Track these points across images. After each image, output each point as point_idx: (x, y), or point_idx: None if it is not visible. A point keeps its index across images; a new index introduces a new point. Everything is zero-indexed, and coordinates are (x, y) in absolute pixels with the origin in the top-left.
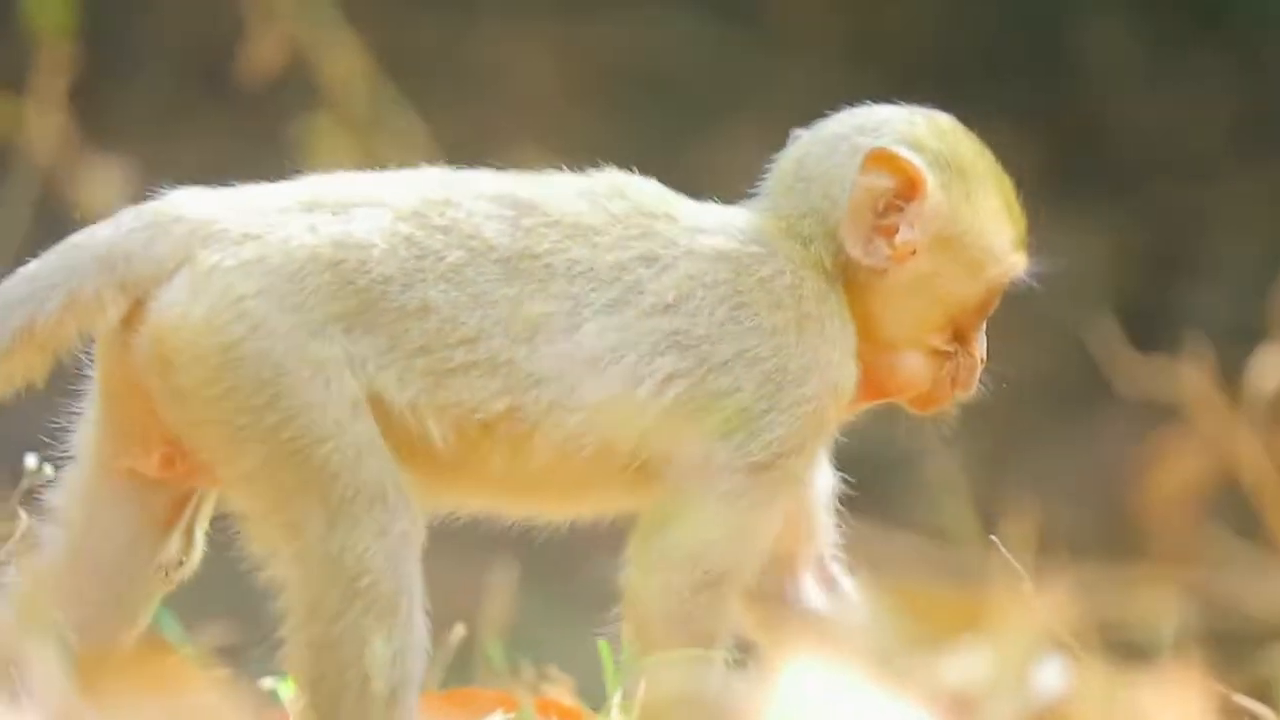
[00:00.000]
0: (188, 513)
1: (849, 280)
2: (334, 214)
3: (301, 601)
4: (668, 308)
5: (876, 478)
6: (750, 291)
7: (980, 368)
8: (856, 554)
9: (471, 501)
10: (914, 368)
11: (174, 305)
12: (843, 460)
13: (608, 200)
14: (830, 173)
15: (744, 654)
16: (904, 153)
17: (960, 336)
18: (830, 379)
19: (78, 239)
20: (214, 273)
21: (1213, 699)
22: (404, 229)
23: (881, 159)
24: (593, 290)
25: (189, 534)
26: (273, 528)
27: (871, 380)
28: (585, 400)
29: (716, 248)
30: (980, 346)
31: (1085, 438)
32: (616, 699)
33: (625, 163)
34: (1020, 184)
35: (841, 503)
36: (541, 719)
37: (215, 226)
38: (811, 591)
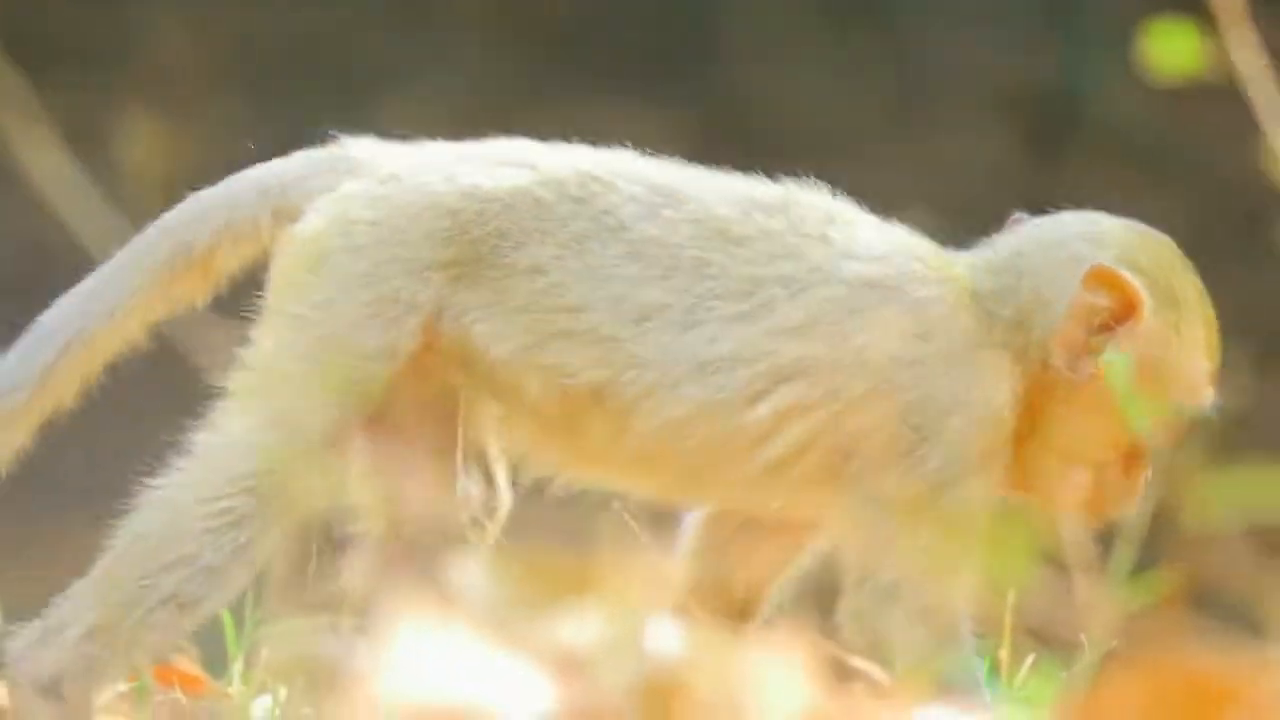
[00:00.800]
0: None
1: (1039, 381)
2: (479, 168)
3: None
4: (795, 330)
5: None
6: (896, 319)
7: (1139, 495)
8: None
9: (591, 471)
10: (1079, 482)
11: (302, 221)
12: None
13: (767, 214)
14: (1044, 275)
15: (363, 617)
16: (1126, 275)
17: (1130, 457)
18: (978, 416)
19: (247, 172)
20: (344, 199)
21: (824, 659)
22: (537, 192)
23: (1104, 278)
24: (718, 297)
25: (487, 477)
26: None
27: (1032, 480)
28: (688, 395)
29: (863, 275)
30: (1145, 472)
31: None
32: (238, 666)
33: (266, 141)
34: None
35: None
36: (163, 687)
37: (367, 165)
38: (431, 552)
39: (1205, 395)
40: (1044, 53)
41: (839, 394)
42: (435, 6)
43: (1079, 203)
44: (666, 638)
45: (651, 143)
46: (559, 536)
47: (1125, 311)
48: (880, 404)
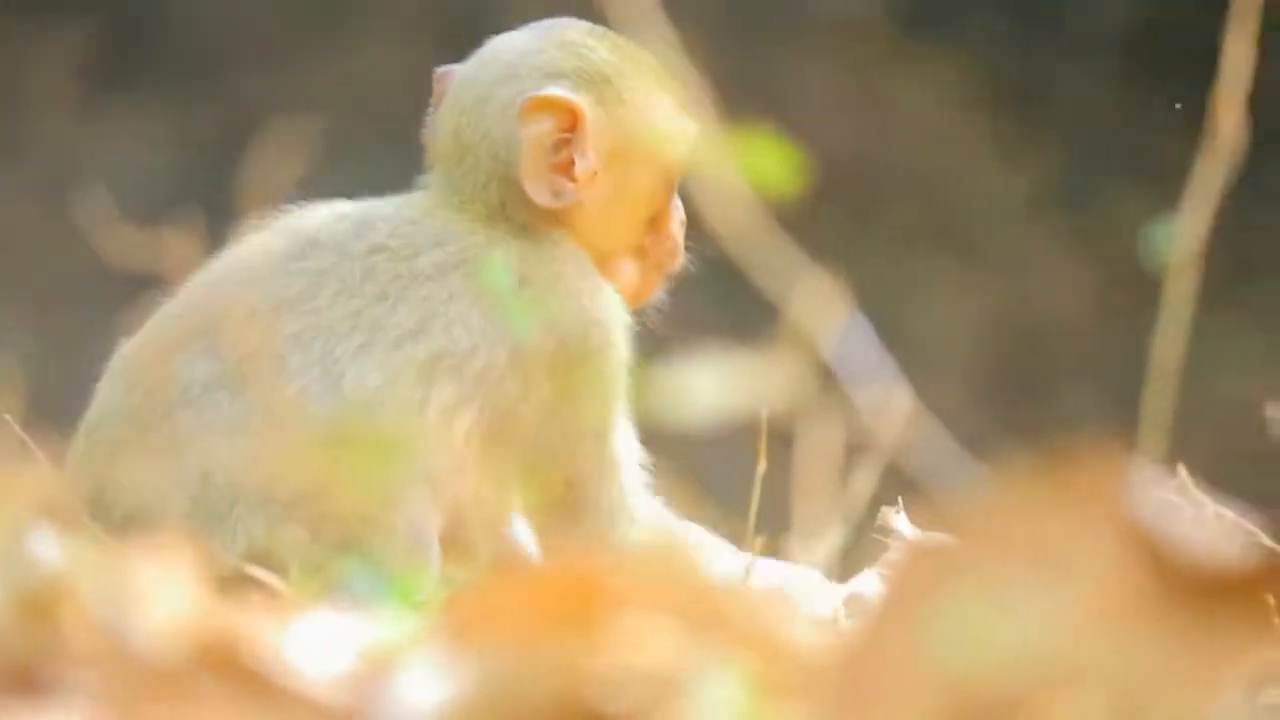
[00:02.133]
0: None
1: (557, 222)
2: None
3: None
4: (415, 334)
5: None
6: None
7: (681, 238)
8: None
9: None
10: (631, 272)
11: None
12: None
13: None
14: (490, 136)
15: None
16: (551, 91)
17: (656, 223)
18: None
19: None
20: None
21: (213, 567)
22: None
23: (534, 107)
24: (334, 337)
25: None
26: None
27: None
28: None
29: (441, 262)
30: (675, 222)
31: None
32: None
33: None
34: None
35: None
36: None
37: None
38: None
39: (684, 129)
40: None
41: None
42: None
43: None
44: (50, 548)
45: (60, 58)
46: None
47: (569, 121)
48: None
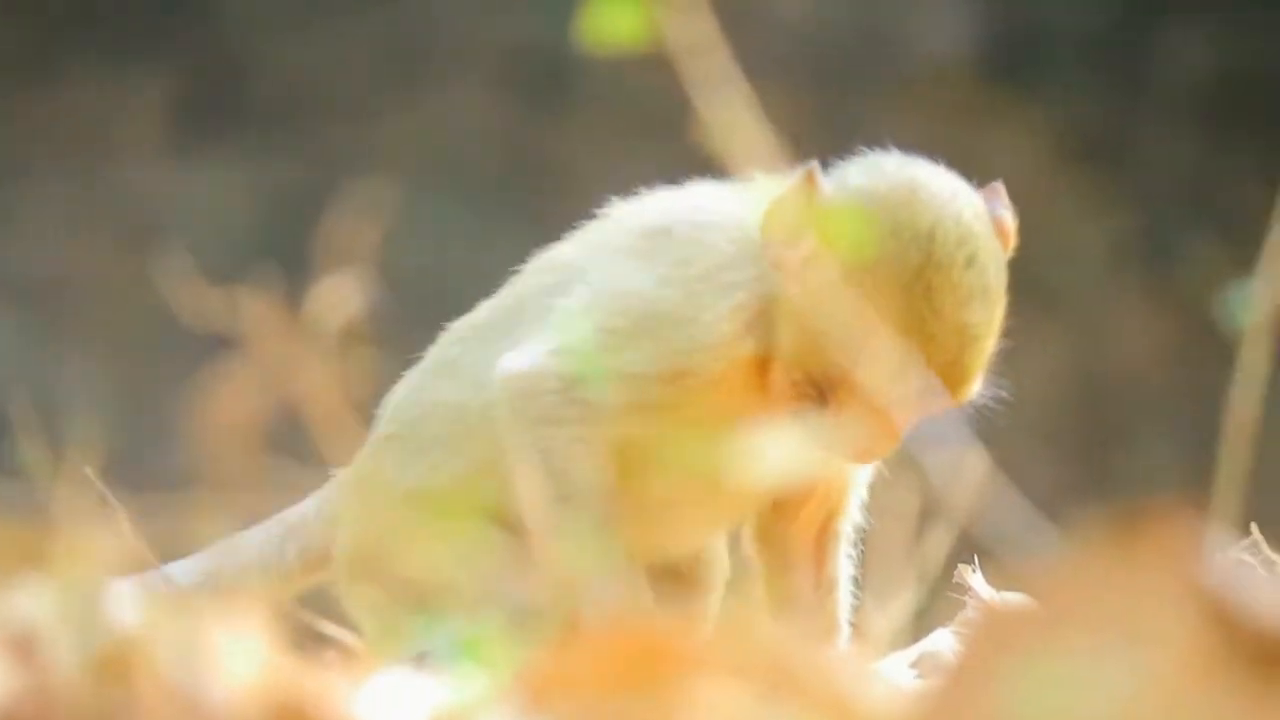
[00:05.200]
0: None
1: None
2: None
3: None
4: None
5: None
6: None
7: (861, 449)
8: None
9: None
10: (796, 415)
11: None
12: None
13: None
14: None
15: None
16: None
17: (833, 399)
18: None
19: None
20: None
21: (291, 625)
22: None
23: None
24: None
25: None
26: None
27: None
28: None
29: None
30: (857, 415)
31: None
32: None
33: None
34: (153, 127)
35: None
36: None
37: None
38: None
39: (890, 377)
40: (537, 10)
41: None
42: None
43: (579, 160)
44: (125, 608)
45: (142, 108)
46: (6, 505)
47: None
48: None
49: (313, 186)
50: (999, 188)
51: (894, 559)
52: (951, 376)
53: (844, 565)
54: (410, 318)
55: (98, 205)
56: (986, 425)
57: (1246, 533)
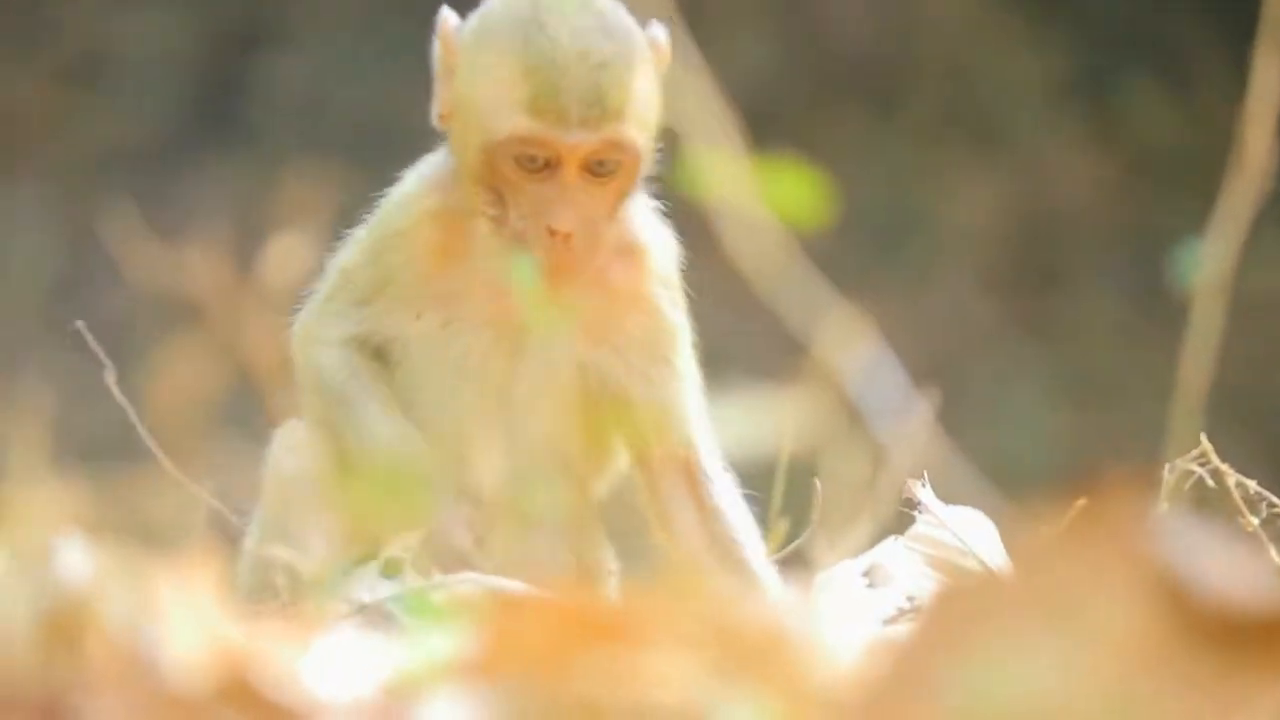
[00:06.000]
0: None
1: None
2: None
3: None
4: None
5: None
6: None
7: (530, 230)
8: None
9: None
10: (489, 236)
11: None
12: None
13: None
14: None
15: None
16: (447, 19)
17: (504, 199)
18: None
19: None
20: None
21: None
22: None
23: (440, 29)
24: None
25: None
26: None
27: None
28: None
29: None
30: (521, 209)
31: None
32: None
33: None
34: None
35: None
36: None
37: None
38: None
39: (522, 130)
40: None
41: None
42: None
43: None
44: (74, 564)
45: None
46: None
47: (447, 55)
48: None
49: (252, 22)
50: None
51: (843, 514)
52: (591, 109)
53: (726, 494)
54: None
55: (39, 36)
56: (930, 260)
57: (1207, 460)
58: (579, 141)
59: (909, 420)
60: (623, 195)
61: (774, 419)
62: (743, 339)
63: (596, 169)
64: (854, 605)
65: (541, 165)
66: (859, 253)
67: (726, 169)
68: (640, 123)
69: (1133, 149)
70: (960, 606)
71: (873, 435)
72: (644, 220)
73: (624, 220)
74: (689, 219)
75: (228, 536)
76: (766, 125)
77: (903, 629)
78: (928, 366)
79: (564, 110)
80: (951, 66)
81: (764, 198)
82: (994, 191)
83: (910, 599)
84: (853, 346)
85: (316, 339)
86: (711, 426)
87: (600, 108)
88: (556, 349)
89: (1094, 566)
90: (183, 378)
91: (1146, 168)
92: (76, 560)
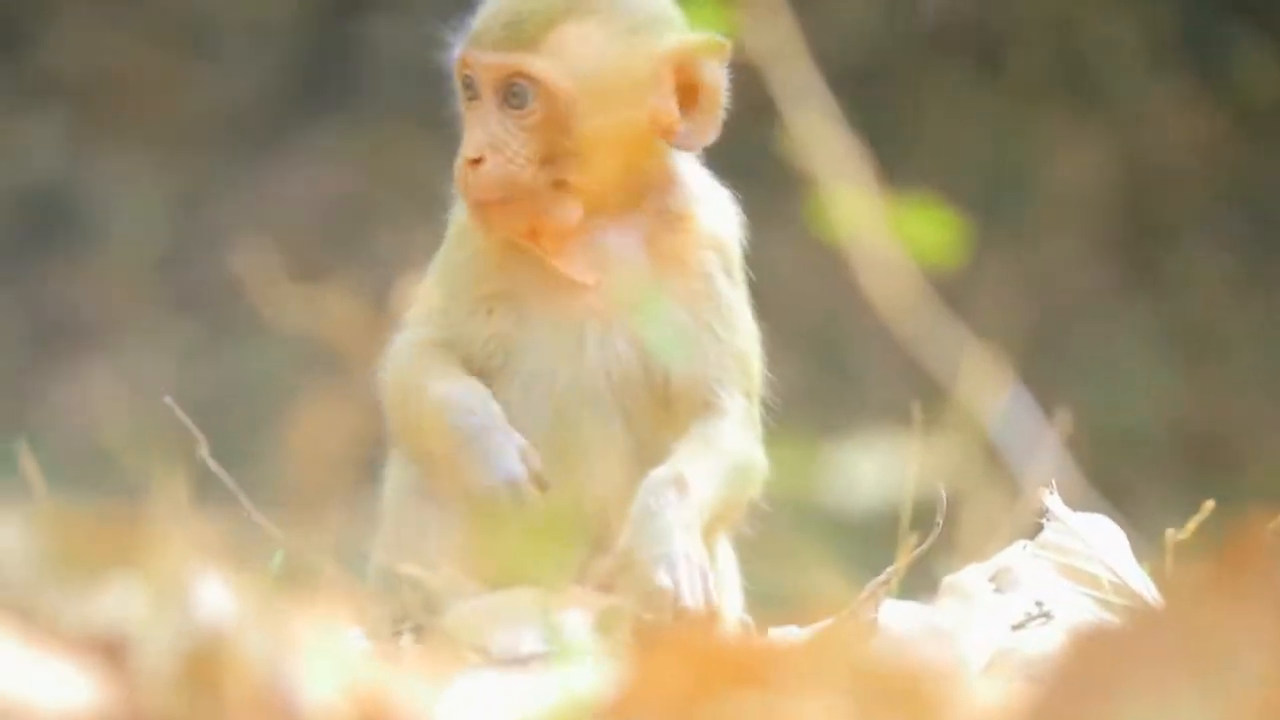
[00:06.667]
0: None
1: None
2: None
3: None
4: None
5: None
6: None
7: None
8: None
9: None
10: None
11: None
12: None
13: None
14: None
15: None
16: None
17: None
18: None
19: None
20: None
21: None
22: None
23: None
24: None
25: None
26: None
27: None
28: None
29: None
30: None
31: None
32: None
33: None
34: None
35: None
36: None
37: None
38: None
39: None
40: None
41: None
42: None
43: None
44: (214, 605)
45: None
46: (96, 496)
47: None
48: None
49: None
50: None
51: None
52: (505, 30)
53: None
54: None
55: (143, 1)
56: (1034, 219)
57: None
58: (490, 62)
59: (1044, 455)
60: (550, 140)
61: (907, 461)
62: (879, 378)
63: (510, 99)
64: (981, 610)
65: (474, 95)
66: (962, 212)
67: (860, 208)
68: (562, 62)
69: (1237, 105)
70: (1103, 648)
71: (1011, 475)
72: (697, 190)
73: (670, 190)
74: (827, 258)
75: (361, 575)
76: (868, 85)
77: (1030, 635)
78: (1035, 326)
79: (483, 32)
80: (1054, 24)
81: (898, 237)
82: (1098, 149)
83: (1039, 604)
84: (991, 387)
85: (398, 353)
86: (830, 467)
87: (514, 31)
88: (619, 337)
89: (1242, 615)
90: (321, 425)
91: (1251, 123)
92: (216, 599)
